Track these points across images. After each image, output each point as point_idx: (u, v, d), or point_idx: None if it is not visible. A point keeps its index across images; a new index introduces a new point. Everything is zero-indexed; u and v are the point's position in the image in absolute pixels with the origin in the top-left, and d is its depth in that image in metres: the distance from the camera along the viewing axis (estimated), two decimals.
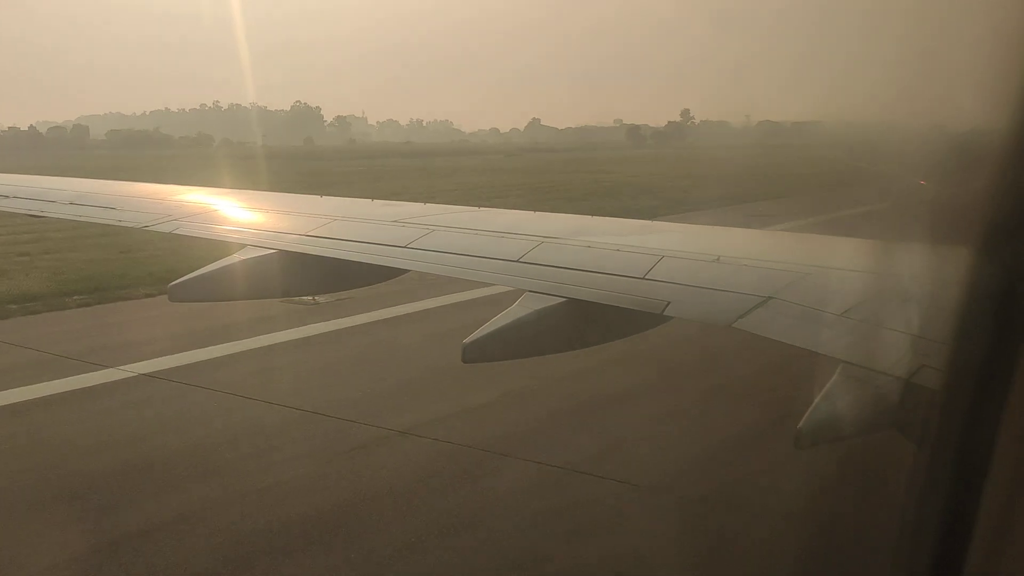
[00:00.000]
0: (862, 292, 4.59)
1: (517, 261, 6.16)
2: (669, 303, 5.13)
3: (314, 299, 17.58)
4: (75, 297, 19.31)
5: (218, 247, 7.72)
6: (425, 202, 9.07)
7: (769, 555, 7.54)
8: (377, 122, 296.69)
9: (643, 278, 5.50)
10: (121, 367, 13.05)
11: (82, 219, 8.96)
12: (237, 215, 8.67)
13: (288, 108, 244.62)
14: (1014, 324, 1.69)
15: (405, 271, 6.86)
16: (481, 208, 8.73)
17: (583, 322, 5.56)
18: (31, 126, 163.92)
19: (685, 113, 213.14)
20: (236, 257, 7.14)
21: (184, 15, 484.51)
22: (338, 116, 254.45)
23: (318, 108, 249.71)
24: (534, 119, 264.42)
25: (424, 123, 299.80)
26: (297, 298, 16.23)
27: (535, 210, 9.01)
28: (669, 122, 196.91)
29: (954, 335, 1.98)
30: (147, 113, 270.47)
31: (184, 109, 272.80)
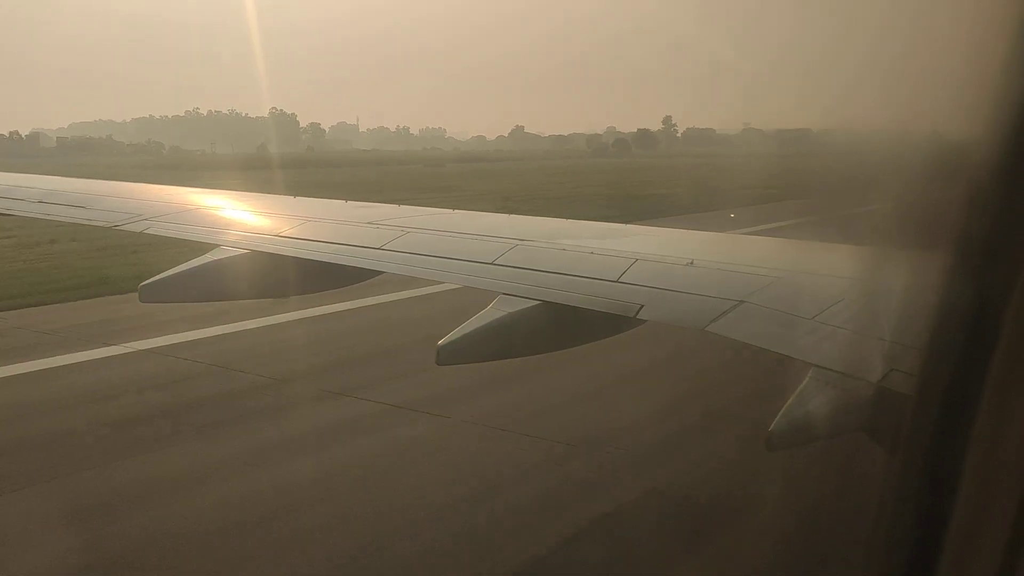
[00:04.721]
0: (833, 297, 4.64)
1: (491, 263, 6.16)
2: (642, 306, 5.15)
3: None
4: None
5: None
6: None
7: (740, 561, 7.58)
8: (368, 129, 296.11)
9: (617, 281, 5.52)
10: None
11: (51, 217, 8.83)
12: (210, 215, 8.58)
13: (267, 115, 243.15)
14: (986, 330, 1.71)
15: (379, 272, 6.83)
16: (455, 210, 8.72)
17: (557, 324, 5.57)
18: None
19: (667, 120, 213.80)
20: (208, 257, 7.06)
21: (186, 24, 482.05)
22: (311, 123, 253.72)
23: (293, 115, 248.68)
24: (517, 126, 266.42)
25: (412, 131, 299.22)
26: None
27: None
28: (639, 129, 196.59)
29: (925, 340, 1.99)
30: (131, 120, 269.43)
31: (167, 116, 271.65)
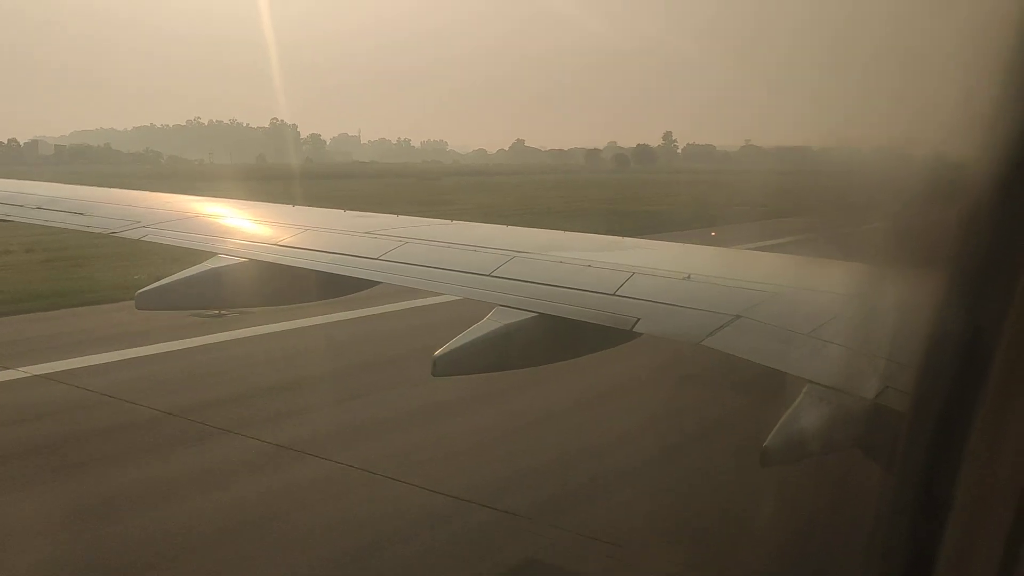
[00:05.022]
0: (829, 313, 4.64)
1: (489, 275, 6.15)
2: (639, 320, 5.15)
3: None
4: None
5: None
6: None
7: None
8: (369, 141, 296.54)
9: (614, 294, 5.52)
10: None
11: (50, 224, 8.83)
12: (208, 223, 8.57)
13: (268, 125, 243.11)
14: (980, 349, 1.72)
15: (377, 283, 6.82)
16: (453, 221, 8.72)
17: (553, 337, 5.56)
18: None
19: (667, 136, 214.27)
20: (206, 265, 7.05)
21: (193, 35, 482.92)
22: (312, 134, 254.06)
23: (294, 126, 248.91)
24: (518, 140, 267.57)
25: (413, 143, 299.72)
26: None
27: None
28: (638, 144, 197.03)
29: (920, 359, 2.00)
30: (132, 129, 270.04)
31: (168, 125, 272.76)
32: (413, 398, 11.85)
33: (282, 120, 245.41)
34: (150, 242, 7.94)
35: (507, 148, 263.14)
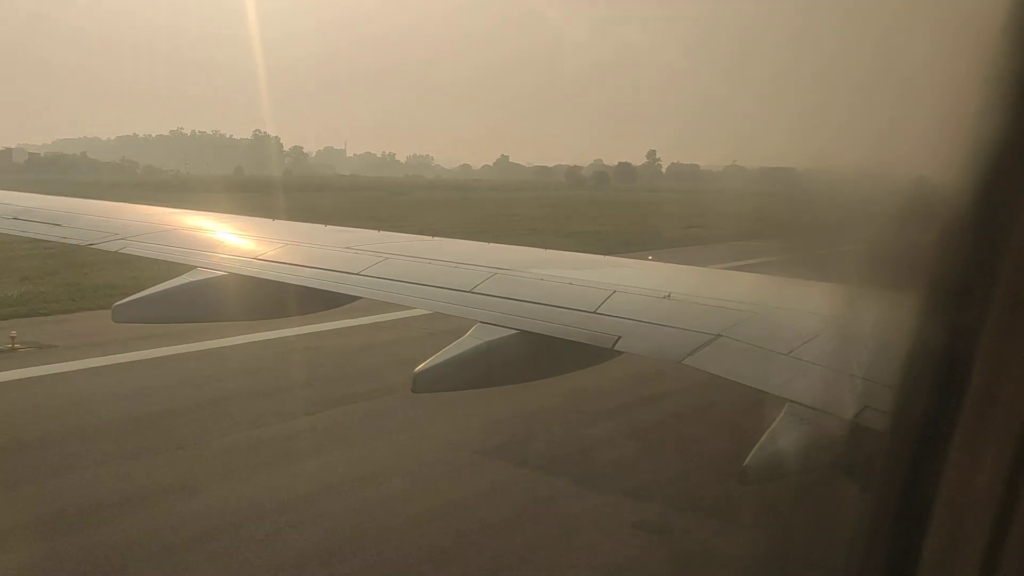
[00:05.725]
0: (809, 333, 4.67)
1: (470, 292, 6.15)
2: (619, 338, 5.16)
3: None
4: None
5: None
6: None
7: None
8: (355, 154, 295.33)
9: (594, 312, 5.53)
10: None
11: (25, 235, 8.76)
12: (187, 236, 8.51)
13: (250, 137, 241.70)
14: (957, 369, 1.74)
15: (356, 298, 6.80)
16: (435, 237, 8.73)
17: (534, 354, 5.55)
18: None
19: (651, 154, 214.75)
20: (185, 278, 7.01)
21: (182, 47, 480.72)
22: (294, 146, 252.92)
23: (277, 138, 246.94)
24: (503, 156, 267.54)
25: (398, 157, 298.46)
26: None
27: None
28: (620, 162, 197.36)
29: (898, 379, 2.02)
30: (115, 138, 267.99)
31: (151, 135, 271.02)
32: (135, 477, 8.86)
33: (265, 132, 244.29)
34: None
35: (492, 164, 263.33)
